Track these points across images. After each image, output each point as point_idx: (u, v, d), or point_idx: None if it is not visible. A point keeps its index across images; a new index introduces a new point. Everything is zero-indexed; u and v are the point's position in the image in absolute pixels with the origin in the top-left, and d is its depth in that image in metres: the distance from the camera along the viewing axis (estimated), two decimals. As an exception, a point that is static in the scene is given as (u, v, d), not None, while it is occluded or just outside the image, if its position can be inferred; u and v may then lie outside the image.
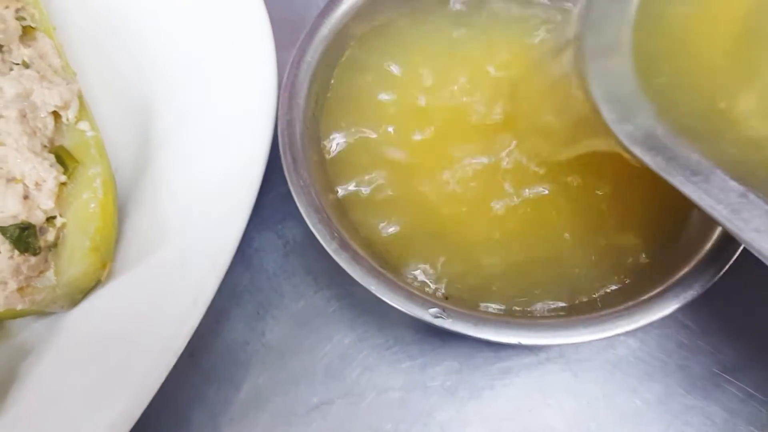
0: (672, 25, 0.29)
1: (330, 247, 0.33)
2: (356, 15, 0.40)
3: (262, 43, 0.39)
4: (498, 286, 0.34)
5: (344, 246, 0.33)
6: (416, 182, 0.37)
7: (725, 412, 0.37)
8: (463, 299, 0.34)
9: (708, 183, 0.25)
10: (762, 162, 0.26)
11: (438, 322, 0.31)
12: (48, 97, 0.36)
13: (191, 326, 0.33)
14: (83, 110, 0.38)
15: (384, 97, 0.39)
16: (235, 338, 0.40)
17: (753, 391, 0.37)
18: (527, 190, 0.36)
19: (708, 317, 0.39)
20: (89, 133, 0.37)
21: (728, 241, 0.32)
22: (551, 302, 0.34)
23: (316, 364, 0.39)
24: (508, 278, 0.35)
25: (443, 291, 0.34)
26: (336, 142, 0.38)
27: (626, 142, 0.27)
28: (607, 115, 0.28)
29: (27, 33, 0.39)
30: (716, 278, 0.31)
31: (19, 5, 0.39)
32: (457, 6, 0.42)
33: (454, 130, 0.38)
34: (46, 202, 0.34)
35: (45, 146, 0.35)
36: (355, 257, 0.32)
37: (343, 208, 0.36)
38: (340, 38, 0.39)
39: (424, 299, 0.32)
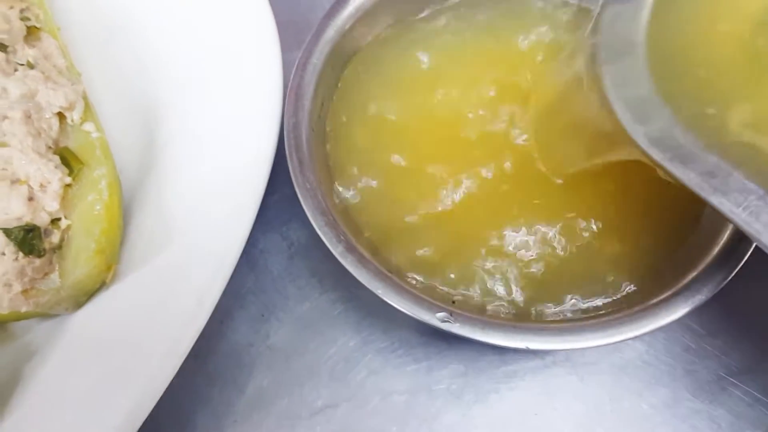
0: (686, 25, 0.29)
1: (336, 250, 0.32)
2: (362, 17, 0.39)
3: (267, 45, 0.39)
4: (507, 283, 0.34)
5: (350, 249, 0.33)
6: (423, 186, 0.36)
7: (731, 415, 0.37)
8: (469, 304, 0.34)
9: (726, 185, 0.24)
10: None
11: (446, 326, 0.31)
12: (53, 98, 0.36)
13: (197, 328, 0.33)
14: (88, 111, 0.38)
15: (391, 99, 0.39)
16: (239, 340, 0.40)
17: (759, 395, 0.37)
18: (538, 195, 0.36)
19: (715, 321, 0.39)
20: (94, 134, 0.37)
21: (737, 244, 0.32)
22: (560, 306, 0.34)
23: (321, 366, 0.39)
24: (517, 283, 0.35)
25: (450, 295, 0.34)
26: (342, 145, 0.38)
27: (642, 144, 0.27)
28: (623, 116, 0.27)
29: (31, 33, 0.39)
30: (725, 282, 0.31)
31: (24, 5, 0.39)
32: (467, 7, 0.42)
33: (462, 135, 0.38)
34: (50, 204, 0.34)
35: (50, 147, 0.35)
36: (362, 260, 0.32)
37: (348, 210, 0.36)
38: (346, 40, 0.39)
39: (431, 303, 0.31)
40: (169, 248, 0.36)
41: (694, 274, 0.32)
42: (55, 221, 0.34)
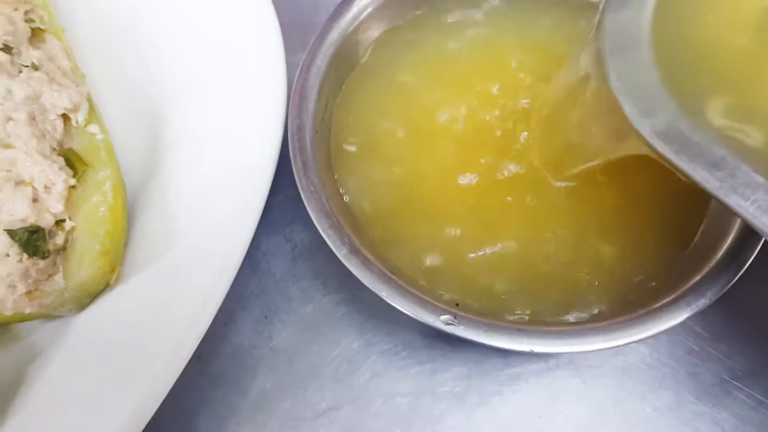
0: (692, 17, 0.29)
1: (340, 253, 0.32)
2: (366, 19, 0.40)
3: (271, 47, 0.39)
4: (510, 295, 0.34)
5: (354, 251, 0.33)
6: (427, 188, 0.37)
7: (735, 419, 0.37)
8: (473, 306, 0.34)
9: (733, 179, 0.24)
10: None
11: (450, 329, 0.31)
12: (57, 100, 0.36)
13: (200, 330, 0.33)
14: (92, 113, 0.38)
15: (395, 101, 0.39)
16: (242, 342, 0.40)
17: (763, 398, 0.37)
18: (542, 199, 0.36)
19: (718, 324, 0.39)
20: (99, 136, 0.37)
21: (740, 249, 0.32)
22: (563, 315, 0.34)
23: (324, 368, 0.39)
24: (519, 285, 0.35)
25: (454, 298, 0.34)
26: (346, 147, 0.38)
27: (648, 138, 0.26)
28: (629, 109, 0.27)
29: (36, 35, 0.39)
30: (728, 287, 0.31)
31: (29, 7, 0.39)
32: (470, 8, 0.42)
33: (467, 137, 0.38)
34: (55, 206, 0.34)
35: (54, 149, 0.35)
36: (366, 263, 0.32)
37: (352, 212, 0.36)
38: (351, 42, 0.39)
39: (436, 306, 0.31)
40: (172, 250, 0.36)
41: (697, 278, 0.32)
42: (59, 223, 0.34)
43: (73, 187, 0.35)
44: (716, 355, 0.38)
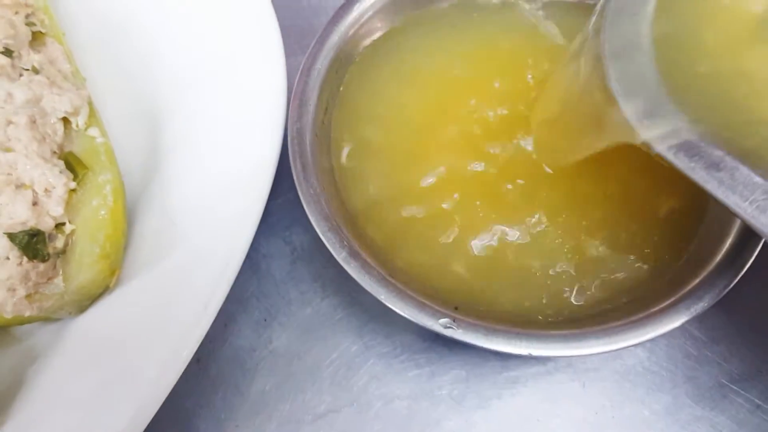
0: (692, 17, 0.29)
1: (339, 256, 0.33)
2: (366, 22, 0.40)
3: (271, 50, 0.39)
4: (507, 293, 0.34)
5: (354, 254, 0.33)
6: (426, 190, 0.37)
7: (733, 422, 0.37)
8: (474, 308, 0.34)
9: (733, 179, 0.24)
10: None
11: (449, 332, 0.31)
12: (58, 103, 0.36)
13: (200, 333, 0.33)
14: (93, 116, 0.38)
15: (394, 104, 0.39)
16: (242, 345, 0.40)
17: (761, 402, 0.37)
18: (542, 199, 0.36)
19: (716, 328, 0.39)
20: (99, 140, 0.37)
21: (738, 253, 0.32)
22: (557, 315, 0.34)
23: (323, 371, 0.39)
24: (517, 284, 0.35)
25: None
26: (345, 150, 0.38)
27: (648, 139, 0.26)
28: (628, 111, 0.27)
29: (37, 38, 0.39)
30: (726, 290, 0.31)
31: (29, 11, 0.39)
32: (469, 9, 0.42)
33: (465, 136, 0.38)
34: (55, 209, 0.34)
35: (54, 152, 0.35)
36: (365, 266, 0.32)
37: (352, 215, 0.36)
38: (351, 46, 0.39)
39: (435, 309, 0.32)
40: (172, 253, 0.36)
41: (695, 282, 0.32)
42: (59, 226, 0.34)
43: (73, 190, 0.35)
44: (714, 359, 0.38)
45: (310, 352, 0.39)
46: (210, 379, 0.39)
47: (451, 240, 0.35)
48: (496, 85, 0.39)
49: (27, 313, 0.33)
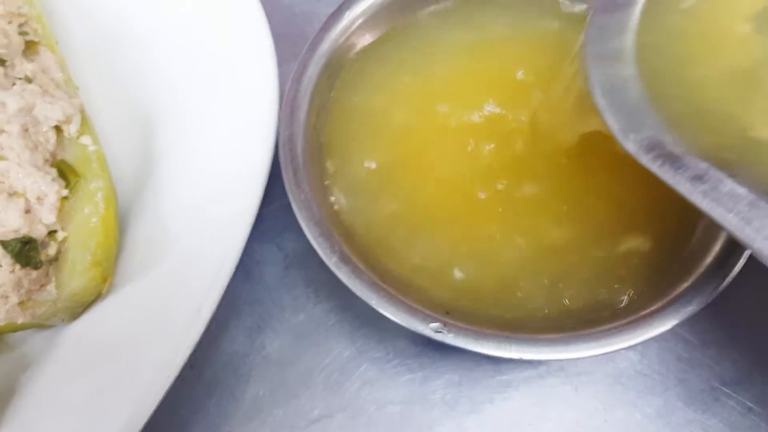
0: (674, 32, 0.29)
1: (330, 261, 0.33)
2: (357, 29, 0.40)
3: (263, 58, 0.40)
4: (494, 299, 0.34)
5: (345, 260, 0.33)
6: (416, 194, 0.37)
7: (725, 425, 0.37)
8: (463, 310, 0.34)
9: (717, 191, 0.24)
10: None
11: (439, 337, 0.31)
12: (50, 112, 0.36)
13: (193, 338, 0.33)
14: (85, 124, 0.39)
15: (384, 110, 0.39)
16: (235, 350, 0.40)
17: (752, 405, 0.37)
18: (535, 206, 0.36)
19: (708, 331, 0.39)
20: (91, 147, 0.38)
21: (728, 256, 0.32)
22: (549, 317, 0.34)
23: (316, 377, 0.39)
24: (511, 288, 0.35)
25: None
26: (336, 156, 0.38)
27: (633, 152, 0.27)
28: (613, 125, 0.28)
29: (30, 47, 0.40)
30: (715, 294, 0.31)
31: (23, 20, 0.39)
32: (461, 14, 0.42)
33: (457, 141, 0.38)
34: (47, 217, 0.34)
35: (47, 160, 0.35)
36: (356, 271, 0.33)
37: (343, 221, 0.36)
38: (341, 53, 0.40)
39: (426, 314, 0.32)
40: (165, 259, 0.36)
41: (685, 285, 0.32)
42: (51, 233, 0.34)
43: (65, 198, 0.35)
44: (705, 362, 0.39)
45: (303, 358, 0.39)
46: (204, 385, 0.39)
47: (442, 245, 0.36)
48: (490, 97, 0.39)
49: (20, 320, 0.34)
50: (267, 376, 0.39)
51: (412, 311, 0.32)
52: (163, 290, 0.35)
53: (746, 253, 0.32)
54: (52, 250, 0.34)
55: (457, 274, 0.35)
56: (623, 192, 0.36)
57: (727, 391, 0.38)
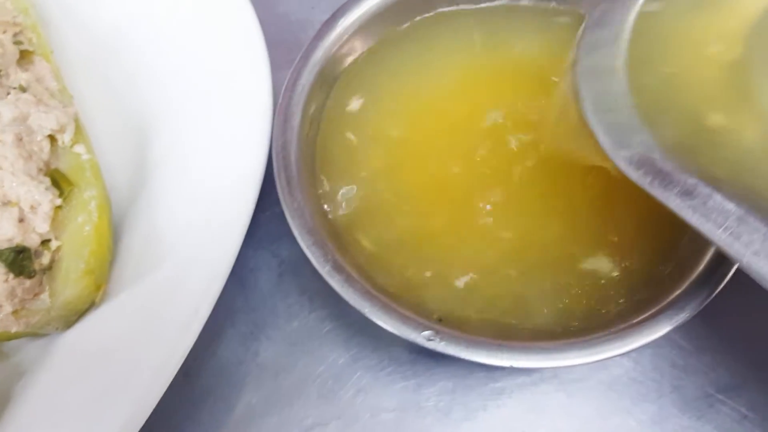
0: (665, 49, 0.30)
1: (323, 270, 0.33)
2: (351, 37, 0.40)
3: (258, 66, 0.40)
4: (488, 307, 0.34)
5: (338, 268, 0.33)
6: (409, 203, 0.37)
7: (719, 432, 0.37)
8: (456, 318, 0.34)
9: (705, 207, 0.24)
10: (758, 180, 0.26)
11: (430, 345, 0.31)
12: (44, 121, 0.36)
13: (187, 346, 0.33)
14: (79, 133, 0.39)
15: (376, 119, 0.39)
16: (229, 358, 0.40)
17: (747, 412, 0.37)
18: (527, 214, 0.36)
19: (702, 337, 0.39)
20: (85, 156, 0.38)
21: (720, 263, 0.32)
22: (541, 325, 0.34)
23: (310, 384, 0.39)
24: (503, 296, 0.35)
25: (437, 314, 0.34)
26: (329, 164, 0.38)
27: (623, 168, 0.27)
28: (604, 140, 0.28)
29: (24, 57, 0.40)
30: (707, 301, 0.31)
31: (17, 29, 0.39)
32: (454, 22, 0.42)
33: (450, 150, 0.38)
34: (41, 226, 0.34)
35: (41, 169, 0.35)
36: (349, 279, 0.33)
37: (336, 229, 0.36)
38: (335, 61, 0.40)
39: (418, 322, 0.32)
40: (159, 267, 0.36)
41: (677, 292, 0.32)
42: (45, 242, 0.34)
43: (59, 207, 0.35)
44: (700, 369, 0.39)
45: (297, 365, 0.39)
46: (197, 393, 0.39)
47: (436, 254, 0.36)
48: (487, 104, 0.39)
49: (14, 329, 0.34)
50: (261, 383, 0.39)
51: (404, 319, 0.32)
52: (156, 298, 0.35)
53: (736, 264, 0.32)
54: (45, 259, 0.34)
55: (451, 283, 0.35)
56: (617, 203, 0.36)
57: (721, 397, 0.38)
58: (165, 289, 0.35)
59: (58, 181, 0.36)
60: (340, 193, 0.37)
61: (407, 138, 0.39)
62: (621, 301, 0.34)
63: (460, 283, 0.35)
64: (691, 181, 0.25)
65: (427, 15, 0.42)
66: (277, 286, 0.42)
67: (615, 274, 0.35)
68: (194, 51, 0.43)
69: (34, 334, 0.36)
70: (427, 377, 0.39)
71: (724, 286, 0.32)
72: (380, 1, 0.40)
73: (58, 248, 0.35)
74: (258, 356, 0.40)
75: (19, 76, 0.38)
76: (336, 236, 0.36)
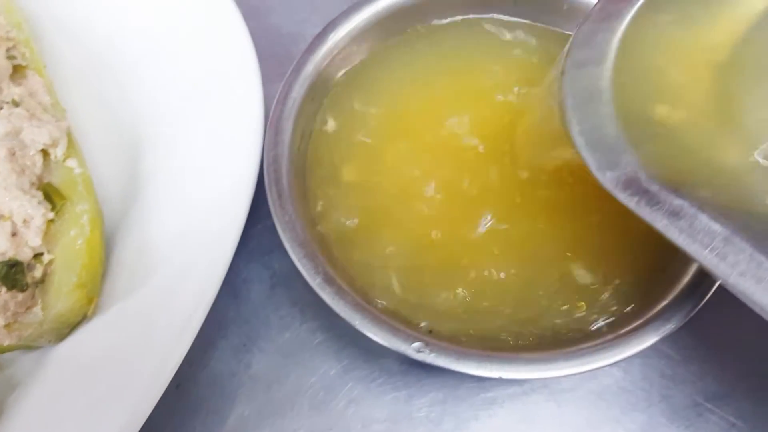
0: (650, 70, 0.30)
1: (314, 282, 0.33)
2: (341, 51, 0.40)
3: (249, 79, 0.40)
4: (478, 320, 0.35)
5: (328, 280, 0.33)
6: (400, 216, 0.37)
7: (708, 441, 0.37)
8: (444, 332, 0.34)
9: (692, 228, 0.25)
10: (744, 199, 0.26)
11: (420, 356, 0.31)
12: (37, 136, 0.36)
13: (178, 358, 0.33)
14: (71, 147, 0.39)
15: (365, 133, 0.40)
16: (221, 369, 0.40)
17: (735, 420, 0.38)
18: (517, 224, 0.37)
19: (690, 347, 0.40)
20: (77, 170, 0.38)
21: (705, 275, 0.33)
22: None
23: (302, 396, 0.39)
24: (491, 311, 0.35)
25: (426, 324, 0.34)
26: (320, 178, 0.39)
27: (610, 188, 0.27)
28: (590, 162, 0.28)
29: (17, 71, 0.40)
30: (693, 312, 0.32)
31: (11, 44, 0.40)
32: (443, 34, 0.43)
33: (440, 164, 0.38)
34: (33, 240, 0.34)
35: (33, 184, 0.36)
36: (339, 292, 0.33)
37: (327, 241, 0.37)
38: (326, 75, 0.40)
39: (408, 334, 0.32)
40: (150, 279, 0.36)
41: (664, 304, 0.32)
42: (37, 256, 0.35)
43: (51, 221, 0.35)
44: (688, 378, 0.39)
45: (289, 377, 0.40)
46: (190, 405, 0.39)
47: (426, 268, 0.36)
48: (472, 119, 0.40)
49: (6, 342, 0.34)
50: (253, 395, 0.39)
51: (394, 331, 0.32)
52: (148, 310, 0.35)
53: (719, 282, 0.32)
54: (38, 273, 0.34)
55: (442, 296, 0.35)
56: (604, 218, 0.37)
57: (710, 406, 0.38)
58: (157, 301, 0.36)
59: (51, 195, 0.36)
60: (330, 206, 0.38)
61: (397, 150, 0.39)
62: (613, 309, 0.35)
63: (451, 296, 0.35)
64: (678, 201, 0.25)
65: (420, 26, 0.43)
66: (269, 298, 0.42)
67: (603, 287, 0.35)
68: (186, 64, 0.43)
69: (27, 347, 0.36)
70: (418, 388, 0.39)
71: (711, 297, 0.32)
72: (370, 15, 0.41)
73: (51, 262, 0.35)
74: (250, 368, 0.40)
75: (12, 91, 0.38)
76: (327, 249, 0.36)
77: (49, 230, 0.35)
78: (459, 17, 0.43)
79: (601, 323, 0.34)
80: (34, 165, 0.36)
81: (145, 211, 0.39)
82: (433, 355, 0.31)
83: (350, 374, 0.39)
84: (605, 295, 0.35)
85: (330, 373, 0.39)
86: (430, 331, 0.34)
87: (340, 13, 0.41)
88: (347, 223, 0.37)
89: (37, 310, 0.35)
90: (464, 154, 0.39)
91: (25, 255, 0.34)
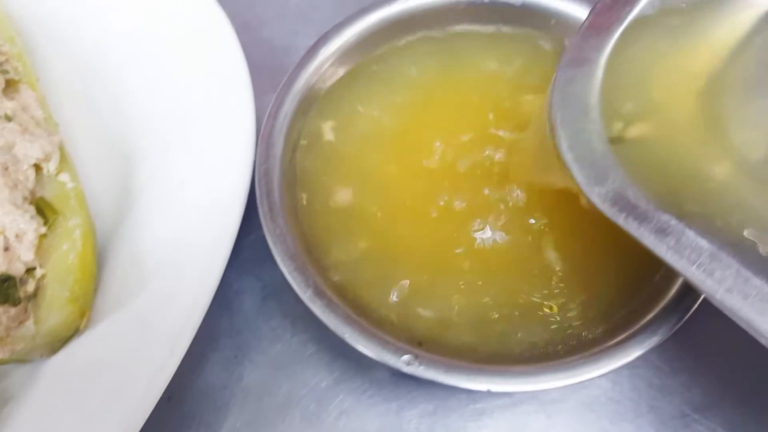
0: (637, 87, 0.31)
1: (305, 295, 0.33)
2: (332, 65, 0.41)
3: (241, 91, 0.41)
4: (469, 332, 0.35)
5: (319, 293, 0.34)
6: (391, 230, 0.38)
7: (696, 452, 0.38)
8: (436, 341, 0.35)
9: (679, 244, 0.25)
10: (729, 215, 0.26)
11: (410, 369, 0.32)
12: (30, 150, 0.37)
13: (170, 370, 0.33)
14: (64, 162, 0.39)
15: (357, 145, 0.40)
16: (213, 382, 0.40)
17: (722, 430, 0.38)
18: (508, 236, 0.37)
19: (678, 358, 0.40)
20: (69, 185, 0.38)
21: (691, 288, 0.33)
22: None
23: (294, 407, 0.39)
24: (482, 324, 0.35)
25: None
26: (311, 190, 0.39)
27: (598, 204, 0.28)
28: (579, 178, 0.28)
29: (10, 85, 0.40)
30: (679, 325, 0.32)
31: (3, 58, 0.40)
32: (435, 47, 0.43)
33: (431, 177, 0.39)
34: (26, 254, 0.34)
35: (26, 198, 0.36)
36: (330, 305, 0.33)
37: (317, 254, 0.37)
38: (317, 88, 0.41)
39: (397, 347, 0.32)
40: (142, 292, 0.37)
41: (649, 317, 0.33)
42: (30, 270, 0.35)
43: (43, 235, 0.35)
44: (676, 388, 0.39)
45: (281, 389, 0.40)
46: (182, 417, 0.39)
47: (416, 280, 0.36)
48: (466, 132, 0.40)
49: (-1, 357, 0.34)
50: (245, 407, 0.39)
51: (384, 344, 0.32)
52: (140, 323, 0.36)
53: (704, 297, 0.33)
54: (30, 287, 0.35)
55: (432, 308, 0.36)
56: (592, 233, 0.37)
57: (697, 417, 0.38)
58: (149, 314, 0.36)
59: (43, 210, 0.36)
60: (321, 219, 0.38)
61: (387, 163, 0.39)
62: (599, 321, 0.35)
63: (442, 307, 0.36)
64: (665, 217, 0.26)
65: (412, 39, 0.43)
66: (260, 310, 0.42)
67: (589, 300, 0.36)
68: (178, 77, 0.43)
69: (20, 361, 0.36)
70: (408, 399, 0.39)
71: (698, 308, 0.33)
72: (362, 29, 0.41)
73: (43, 276, 0.35)
74: (242, 380, 0.40)
75: (5, 105, 0.38)
76: (317, 262, 0.36)
77: (41, 245, 0.35)
78: (449, 29, 0.44)
79: (588, 336, 0.34)
80: (26, 179, 0.36)
81: (137, 224, 0.40)
82: (422, 367, 0.32)
83: (341, 386, 0.40)
84: (592, 308, 0.35)
85: (321, 385, 0.40)
86: (420, 344, 0.34)
87: (332, 26, 0.41)
88: (337, 235, 0.37)
89: (30, 324, 0.35)
90: (454, 164, 0.39)
91: (17, 269, 0.34)
